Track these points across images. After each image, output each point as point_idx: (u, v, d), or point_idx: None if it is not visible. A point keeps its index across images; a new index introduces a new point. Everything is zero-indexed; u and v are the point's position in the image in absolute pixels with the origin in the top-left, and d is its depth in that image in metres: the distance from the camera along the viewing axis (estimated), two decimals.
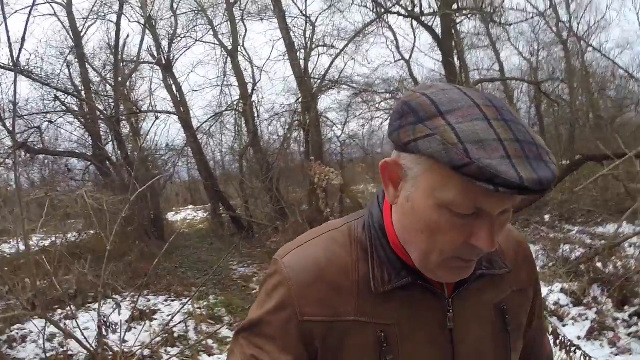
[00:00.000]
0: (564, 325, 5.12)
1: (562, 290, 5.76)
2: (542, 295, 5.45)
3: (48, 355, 5.26)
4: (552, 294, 5.72)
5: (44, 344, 4.34)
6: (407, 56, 16.04)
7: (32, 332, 6.02)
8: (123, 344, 4.66)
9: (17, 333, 6.03)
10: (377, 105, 14.72)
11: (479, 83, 13.33)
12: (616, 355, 4.45)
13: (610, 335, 4.78)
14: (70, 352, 5.12)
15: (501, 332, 1.00)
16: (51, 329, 6.07)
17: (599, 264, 6.13)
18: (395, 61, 16.22)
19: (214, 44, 15.74)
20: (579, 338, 4.80)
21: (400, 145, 0.84)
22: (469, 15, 11.99)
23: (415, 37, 15.51)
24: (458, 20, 12.38)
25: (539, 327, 1.17)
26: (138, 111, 14.36)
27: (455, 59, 12.82)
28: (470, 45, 15.37)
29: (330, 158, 14.66)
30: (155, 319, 6.24)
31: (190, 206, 24.99)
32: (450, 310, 0.95)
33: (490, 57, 16.44)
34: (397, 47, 16.10)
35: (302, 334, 0.92)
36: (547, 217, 10.56)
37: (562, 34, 14.86)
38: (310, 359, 0.93)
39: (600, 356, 4.37)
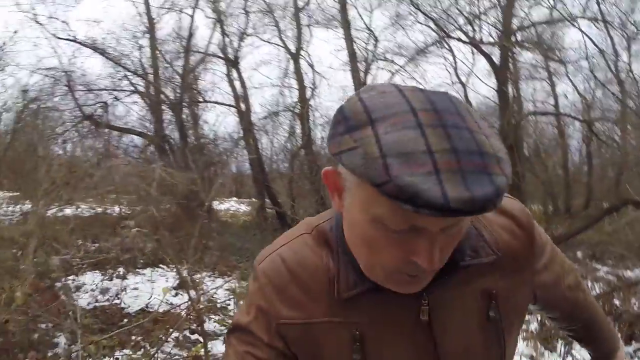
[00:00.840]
0: (572, 349, 5.52)
1: None
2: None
3: (100, 304, 5.98)
4: None
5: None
6: (464, 79, 16.38)
7: (85, 284, 6.79)
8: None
9: (73, 282, 6.76)
10: None
11: (531, 115, 13.50)
12: None
13: None
14: (122, 305, 5.76)
15: (490, 320, 0.96)
16: (103, 284, 6.86)
17: (616, 301, 6.44)
18: (452, 83, 16.55)
19: (279, 45, 16.48)
20: None
21: (332, 156, 0.78)
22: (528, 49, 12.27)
23: (474, 61, 15.86)
24: (516, 51, 12.67)
25: (568, 291, 1.11)
26: (202, 100, 15.25)
27: (511, 88, 13.12)
28: (527, 76, 15.48)
29: None
30: (201, 290, 6.90)
31: (234, 198, 25.78)
32: (426, 304, 0.92)
33: (546, 90, 16.47)
34: (455, 70, 16.41)
35: (280, 336, 0.94)
36: (579, 254, 10.72)
37: (620, 74, 14.83)
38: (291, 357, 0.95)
39: None
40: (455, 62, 16.22)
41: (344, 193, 0.83)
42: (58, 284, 5.90)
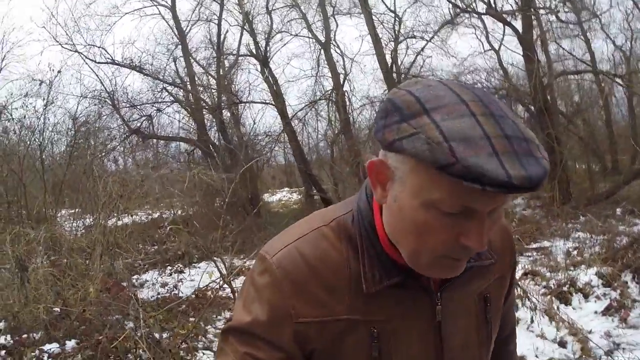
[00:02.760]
0: (587, 302, 5.93)
1: (596, 273, 6.41)
2: (577, 276, 6.27)
3: (161, 296, 6.90)
4: (586, 275, 6.43)
5: None
6: (496, 46, 16.43)
7: (147, 280, 7.83)
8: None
9: (137, 281, 7.81)
10: None
11: (561, 75, 13.50)
12: (622, 328, 5.14)
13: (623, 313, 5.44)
14: (180, 295, 6.73)
15: (483, 322, 1.05)
16: (162, 279, 7.89)
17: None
18: (485, 51, 16.64)
19: (308, 37, 17.20)
20: (595, 312, 5.61)
21: (385, 145, 0.83)
22: (550, 12, 12.35)
23: (504, 27, 15.87)
24: (542, 13, 12.75)
25: (509, 304, 1.22)
26: (239, 101, 16.23)
27: (540, 50, 13.26)
28: (559, 35, 15.22)
29: None
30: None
31: (286, 188, 26.78)
32: (439, 304, 0.98)
33: (580, 47, 16.09)
34: (487, 37, 16.42)
35: (295, 335, 0.93)
36: (618, 211, 10.88)
37: None
38: (305, 357, 0.95)
39: (607, 327, 5.16)
40: (486, 30, 16.36)
41: (389, 183, 0.87)
42: (124, 284, 6.96)
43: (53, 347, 4.47)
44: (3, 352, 4.59)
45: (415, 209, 0.83)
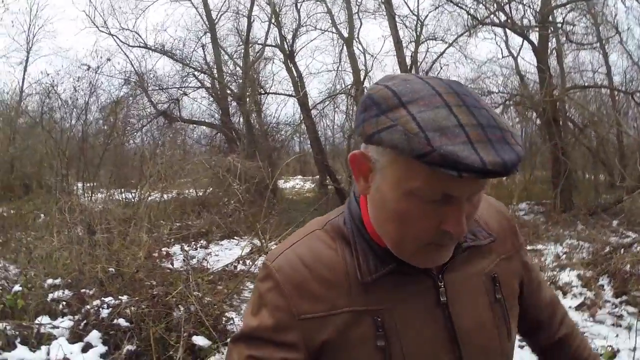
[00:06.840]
0: (564, 298, 6.82)
1: (577, 275, 7.47)
2: (560, 276, 7.23)
3: (190, 267, 7.92)
4: (568, 276, 7.46)
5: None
6: (515, 52, 17.13)
7: (175, 252, 8.89)
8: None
9: (164, 253, 8.87)
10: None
11: (572, 89, 14.22)
12: (590, 322, 5.96)
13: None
14: (208, 265, 7.83)
15: (496, 301, 1.10)
16: (190, 253, 8.94)
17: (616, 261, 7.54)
18: (503, 57, 17.59)
19: (332, 32, 18.27)
20: (569, 307, 6.46)
21: (365, 138, 0.89)
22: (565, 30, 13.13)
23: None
24: (559, 26, 13.53)
25: (536, 286, 1.27)
26: (264, 92, 17.28)
27: (556, 62, 14.08)
28: (578, 46, 15.76)
29: None
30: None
31: (299, 176, 27.90)
32: (442, 285, 1.03)
33: (598, 60, 16.95)
34: (507, 44, 17.32)
35: (301, 332, 0.99)
36: (615, 223, 11.76)
37: None
38: (316, 354, 1.01)
39: (576, 320, 5.89)
40: (506, 37, 17.20)
41: (371, 175, 0.96)
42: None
43: (109, 299, 5.54)
44: (64, 302, 5.69)
45: (396, 199, 0.90)
